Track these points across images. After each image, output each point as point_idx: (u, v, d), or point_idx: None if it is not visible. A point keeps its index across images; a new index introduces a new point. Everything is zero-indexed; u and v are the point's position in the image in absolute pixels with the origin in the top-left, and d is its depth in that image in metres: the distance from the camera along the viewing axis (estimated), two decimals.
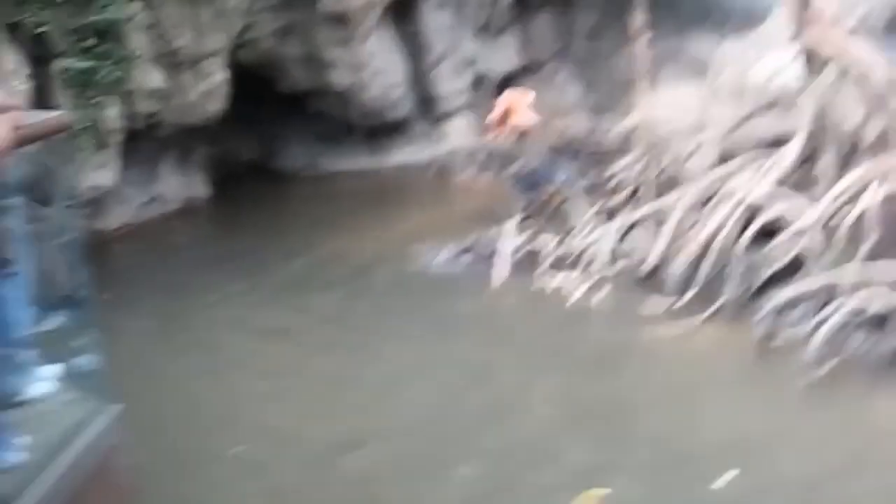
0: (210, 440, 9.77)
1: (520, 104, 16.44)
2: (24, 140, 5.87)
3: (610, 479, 8.46)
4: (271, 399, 10.64)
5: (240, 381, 11.12)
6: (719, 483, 8.28)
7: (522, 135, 15.58)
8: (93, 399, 6.98)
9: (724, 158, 14.77)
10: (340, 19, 19.22)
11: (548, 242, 13.90)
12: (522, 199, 14.60)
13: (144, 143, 17.70)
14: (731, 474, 8.33)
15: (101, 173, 16.27)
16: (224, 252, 16.12)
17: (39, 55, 15.12)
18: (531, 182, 14.79)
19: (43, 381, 6.72)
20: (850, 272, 10.41)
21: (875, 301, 10.20)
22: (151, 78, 16.98)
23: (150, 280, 14.95)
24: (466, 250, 14.44)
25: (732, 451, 8.81)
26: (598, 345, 11.55)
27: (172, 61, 17.35)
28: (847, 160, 13.24)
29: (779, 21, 19.16)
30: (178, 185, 18.84)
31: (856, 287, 10.30)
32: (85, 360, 7.40)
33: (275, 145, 21.59)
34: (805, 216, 11.63)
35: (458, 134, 21.46)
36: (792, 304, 10.89)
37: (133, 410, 7.08)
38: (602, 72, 24.81)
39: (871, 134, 14.11)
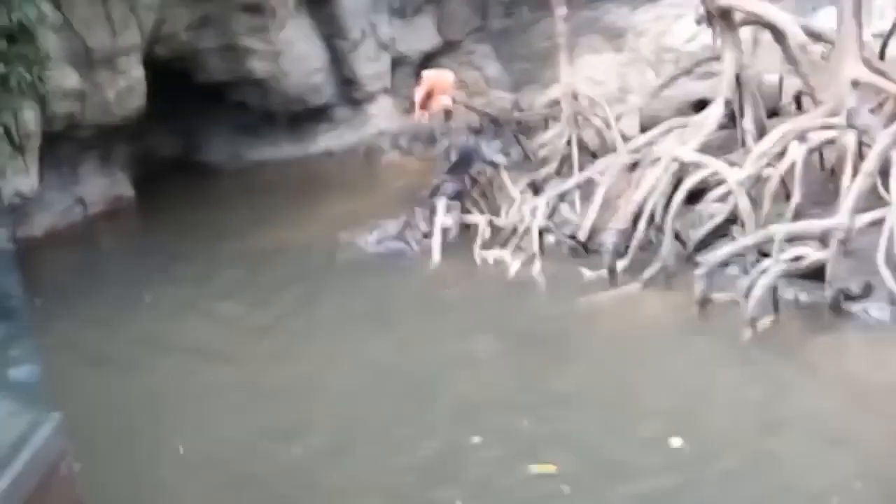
0: (148, 440, 9.63)
1: (442, 84, 16.41)
2: None
3: (555, 451, 8.51)
4: (207, 392, 10.52)
5: (175, 378, 10.97)
6: (664, 448, 8.37)
7: (447, 114, 15.54)
8: (33, 409, 6.86)
9: (647, 124, 14.95)
10: (256, 8, 19.03)
11: (481, 218, 13.91)
12: (452, 177, 14.57)
13: (64, 145, 17.38)
14: (675, 441, 8.42)
15: (21, 179, 15.92)
16: (152, 252, 15.86)
17: None
18: (461, 160, 14.76)
19: None
20: (779, 229, 10.56)
21: (806, 255, 10.36)
22: (67, 79, 16.67)
23: (79, 285, 14.68)
24: (401, 231, 14.43)
25: (677, 414, 8.91)
26: (540, 316, 11.61)
27: (87, 60, 17.04)
28: (768, 119, 13.50)
29: None
30: (102, 186, 18.51)
31: (787, 243, 10.45)
32: (22, 371, 7.27)
33: (197, 139, 21.34)
34: (731, 176, 11.77)
35: (381, 116, 21.40)
36: (727, 262, 11.03)
37: (71, 416, 6.97)
38: (520, 46, 24.91)
39: (788, 94, 14.41)
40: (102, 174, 18.59)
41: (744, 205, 11.50)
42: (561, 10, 14.94)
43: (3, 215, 15.52)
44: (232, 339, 11.98)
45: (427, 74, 16.79)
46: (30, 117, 15.84)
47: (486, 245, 13.49)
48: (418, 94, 16.30)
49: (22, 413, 6.69)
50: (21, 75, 15.46)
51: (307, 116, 20.92)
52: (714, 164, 12.11)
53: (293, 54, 19.85)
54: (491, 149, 14.95)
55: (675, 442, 8.41)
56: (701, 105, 14.22)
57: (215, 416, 10.04)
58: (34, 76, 15.70)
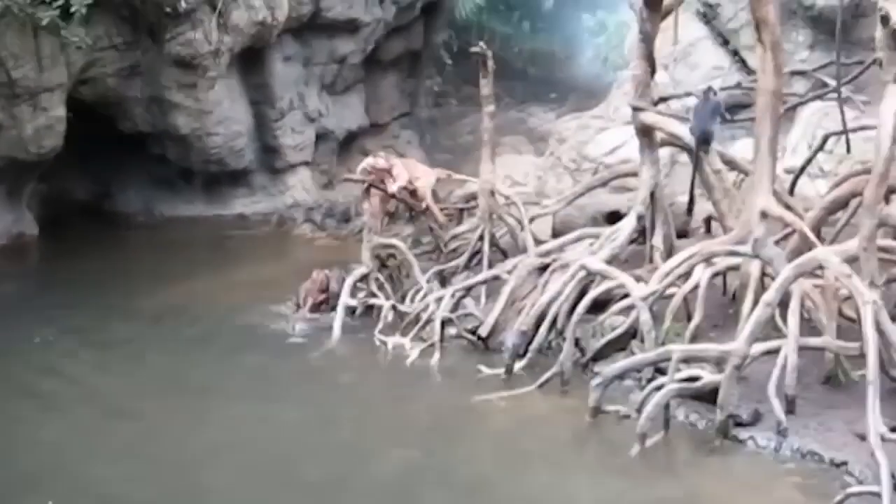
0: (20, 497, 9.32)
1: (413, 169, 16.36)
2: None
3: None
4: (84, 455, 10.19)
5: (52, 435, 10.59)
6: None
7: (365, 193, 15.50)
8: None
9: (560, 230, 15.14)
10: (188, 64, 19.02)
11: (385, 302, 13.89)
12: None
13: None
14: None
15: None
16: (48, 298, 15.55)
17: None
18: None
19: None
20: (677, 348, 10.72)
21: (701, 376, 10.51)
22: None
23: None
24: (302, 306, 14.33)
25: None
26: (431, 409, 11.53)
27: (9, 93, 16.83)
28: (677, 239, 13.76)
29: (617, 100, 19.90)
30: (5, 221, 18.16)
31: (683, 363, 10.60)
32: None
33: (111, 188, 21.11)
34: (636, 291, 11.95)
35: (298, 188, 21.44)
36: (623, 375, 11.14)
37: None
38: (445, 137, 25.27)
39: (698, 217, 14.74)
40: (8, 209, 18.25)
41: (645, 320, 11.66)
42: (489, 108, 15.15)
43: None
44: (103, 409, 11.52)
45: (396, 161, 16.45)
46: None
47: (387, 330, 13.45)
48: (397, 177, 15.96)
49: None
50: None
51: (225, 179, 20.86)
52: (620, 277, 12.27)
53: (219, 115, 19.85)
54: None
55: None
56: (614, 217, 14.47)
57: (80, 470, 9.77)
58: None
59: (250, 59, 20.36)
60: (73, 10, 16.63)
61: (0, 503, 9.23)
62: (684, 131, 13.17)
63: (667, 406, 10.29)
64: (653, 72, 13.83)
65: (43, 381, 12.12)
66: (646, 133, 13.60)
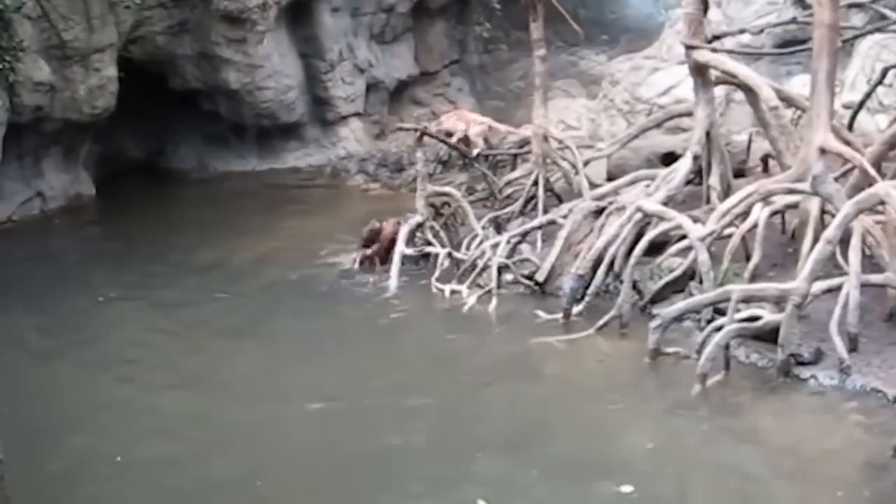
0: (85, 449, 9.48)
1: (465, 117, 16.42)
2: None
3: (502, 495, 8.41)
4: (149, 406, 10.35)
5: (114, 390, 10.79)
6: (613, 499, 8.33)
7: (418, 141, 15.44)
8: None
9: (615, 173, 15.02)
10: (236, 19, 19.03)
11: (441, 251, 13.88)
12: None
13: (28, 136, 17.23)
14: (625, 489, 8.38)
15: None
16: (108, 256, 15.75)
17: None
18: None
19: None
20: (736, 288, 10.61)
21: (761, 316, 10.41)
22: (39, 70, 16.54)
23: (29, 279, 14.50)
24: (364, 257, 14.36)
25: (624, 464, 8.88)
26: (491, 354, 11.54)
27: (61, 54, 16.95)
28: (734, 179, 13.60)
29: (669, 40, 19.62)
30: (63, 182, 18.36)
31: (742, 302, 10.51)
32: None
33: (164, 145, 21.25)
34: (693, 232, 11.83)
35: (350, 139, 21.40)
36: (682, 317, 11.07)
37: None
38: (495, 84, 25.05)
39: (756, 155, 14.54)
40: (65, 170, 18.44)
41: (703, 261, 11.55)
42: (540, 52, 14.99)
43: None
44: (175, 353, 11.82)
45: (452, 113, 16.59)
46: None
47: (444, 277, 13.45)
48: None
49: None
50: None
51: (277, 132, 20.89)
52: (677, 218, 12.15)
53: (269, 69, 19.86)
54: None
55: (626, 488, 8.37)
56: (669, 158, 14.31)
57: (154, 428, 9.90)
58: (5, 65, 15.60)
59: (298, 12, 20.31)
60: None
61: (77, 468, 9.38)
62: (739, 69, 12.97)
63: (727, 346, 10.23)
64: (706, 9, 13.60)
65: (109, 342, 12.25)
66: (700, 72, 13.40)
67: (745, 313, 10.47)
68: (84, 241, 17.09)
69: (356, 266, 14.28)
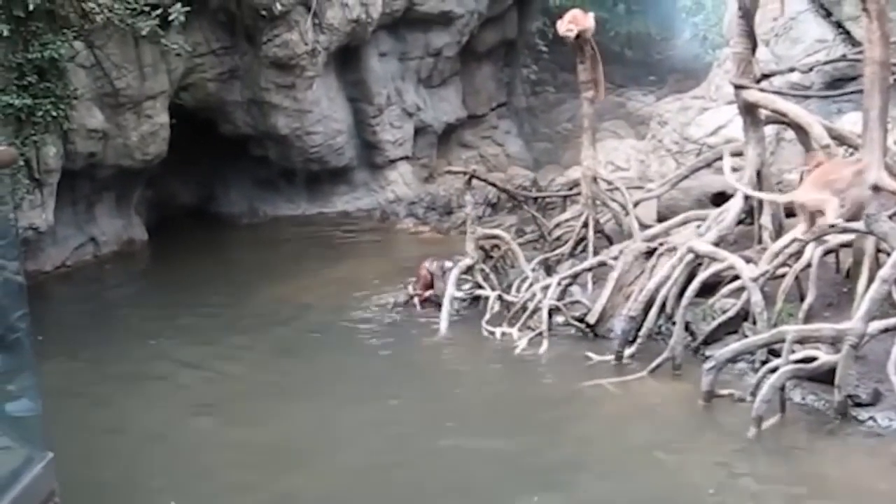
0: (139, 491, 9.49)
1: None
2: None
3: None
4: (206, 446, 10.38)
5: (170, 433, 10.79)
6: None
7: (467, 184, 15.44)
8: (27, 445, 6.77)
9: (665, 214, 14.94)
10: (285, 65, 19.23)
11: (491, 293, 13.86)
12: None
13: (82, 183, 17.46)
14: None
15: (36, 214, 15.98)
16: (160, 300, 15.87)
17: None
18: None
19: None
20: (791, 329, 10.48)
21: (816, 357, 10.26)
22: (92, 118, 16.79)
23: (84, 324, 14.64)
24: (411, 299, 14.40)
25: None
26: (543, 397, 11.47)
27: (114, 102, 17.19)
28: (786, 218, 13.46)
29: (718, 80, 19.58)
30: (116, 227, 18.57)
31: (797, 343, 10.36)
32: (20, 405, 7.18)
33: (214, 190, 21.45)
34: (746, 272, 11.72)
35: (399, 183, 21.49)
36: (735, 358, 10.95)
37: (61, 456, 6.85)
38: (543, 125, 25.12)
39: None
40: (117, 215, 18.65)
41: (756, 301, 11.44)
42: (588, 93, 14.97)
43: (15, 248, 15.51)
44: (224, 395, 11.85)
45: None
46: (51, 153, 15.98)
47: (494, 320, 13.41)
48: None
49: (16, 448, 6.62)
50: (47, 110, 15.63)
51: (326, 176, 21.04)
52: (729, 259, 12.05)
53: (318, 114, 20.02)
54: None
55: None
56: (720, 198, 14.20)
57: (206, 469, 9.89)
58: (60, 112, 15.86)
59: (346, 57, 20.49)
60: (171, 18, 16.96)
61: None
62: (789, 107, 12.89)
63: (782, 388, 10.08)
64: (754, 48, 13.56)
65: (162, 384, 12.29)
66: (750, 111, 13.35)
67: (800, 354, 10.32)
68: (137, 285, 17.28)
69: (406, 306, 14.33)
